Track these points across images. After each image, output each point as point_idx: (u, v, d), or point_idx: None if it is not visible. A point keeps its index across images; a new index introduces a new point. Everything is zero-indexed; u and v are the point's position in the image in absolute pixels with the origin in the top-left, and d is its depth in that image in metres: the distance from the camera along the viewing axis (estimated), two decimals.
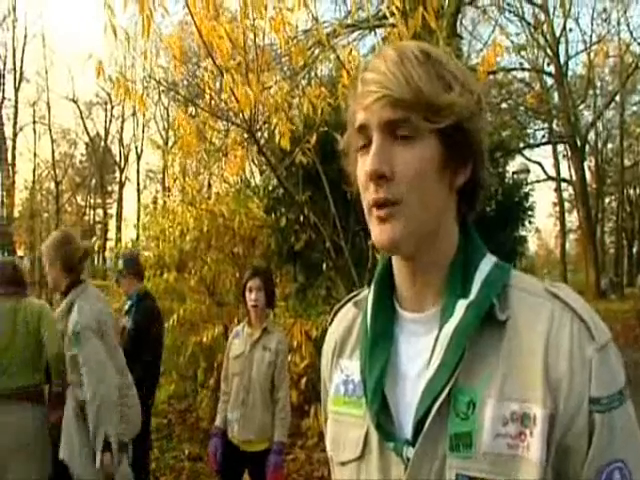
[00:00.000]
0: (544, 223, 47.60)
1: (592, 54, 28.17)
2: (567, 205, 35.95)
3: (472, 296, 0.81)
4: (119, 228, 35.42)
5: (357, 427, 0.88)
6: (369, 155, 0.81)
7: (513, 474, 0.74)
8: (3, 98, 31.85)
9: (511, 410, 0.76)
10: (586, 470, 0.74)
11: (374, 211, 0.81)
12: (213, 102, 4.81)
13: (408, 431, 0.81)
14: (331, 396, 0.96)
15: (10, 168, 31.69)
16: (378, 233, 0.81)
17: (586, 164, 30.54)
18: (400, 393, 0.84)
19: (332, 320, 1.05)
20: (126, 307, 4.43)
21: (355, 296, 1.03)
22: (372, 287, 0.93)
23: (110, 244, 32.83)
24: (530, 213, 10.69)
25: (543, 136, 27.77)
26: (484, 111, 0.86)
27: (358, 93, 0.83)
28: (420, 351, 0.84)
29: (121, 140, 37.65)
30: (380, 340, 0.87)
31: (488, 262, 0.85)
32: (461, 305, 0.80)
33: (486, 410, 0.76)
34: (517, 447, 0.75)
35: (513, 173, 13.83)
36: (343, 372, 0.95)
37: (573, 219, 37.49)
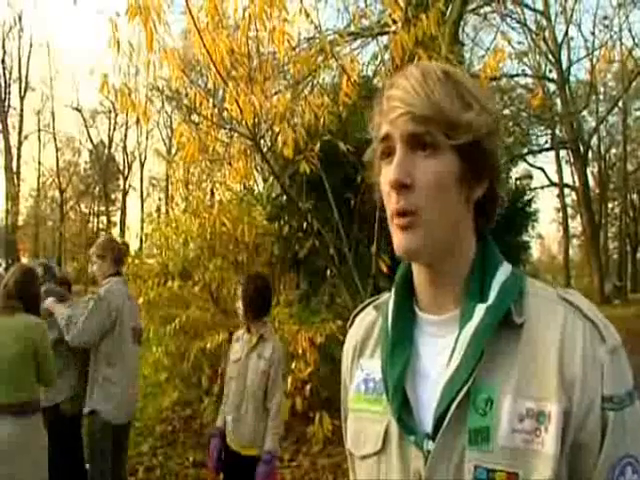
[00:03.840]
0: (547, 229, 47.45)
1: (594, 60, 28.23)
2: (570, 211, 35.88)
3: (490, 301, 0.86)
4: (123, 236, 35.47)
5: (377, 423, 0.93)
6: (392, 165, 0.86)
7: (528, 467, 0.79)
8: (9, 107, 32.05)
9: (527, 407, 0.80)
10: (600, 466, 0.79)
11: (395, 220, 0.86)
12: (216, 111, 4.84)
13: (428, 426, 0.86)
14: (351, 395, 1.01)
15: (15, 176, 31.82)
16: (398, 241, 0.87)
17: (589, 170, 30.53)
18: (420, 390, 0.89)
19: (352, 323, 1.10)
20: None
21: (374, 300, 1.08)
22: (393, 290, 0.98)
23: None
24: (533, 218, 10.71)
25: (546, 142, 27.75)
26: (500, 130, 0.92)
27: (384, 109, 0.89)
28: (440, 351, 0.89)
29: (125, 148, 37.80)
30: (400, 340, 0.92)
31: (505, 270, 0.90)
32: (480, 309, 0.85)
33: (503, 407, 0.81)
34: (532, 442, 0.79)
35: (516, 179, 13.88)
36: (364, 371, 0.99)
37: (576, 224, 37.43)
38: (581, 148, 26.91)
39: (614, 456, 0.79)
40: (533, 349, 0.83)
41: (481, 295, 0.87)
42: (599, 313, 0.85)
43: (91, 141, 37.42)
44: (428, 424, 0.86)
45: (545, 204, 45.54)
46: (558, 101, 26.98)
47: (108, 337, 3.63)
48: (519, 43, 24.72)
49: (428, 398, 0.87)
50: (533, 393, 0.81)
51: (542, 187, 28.40)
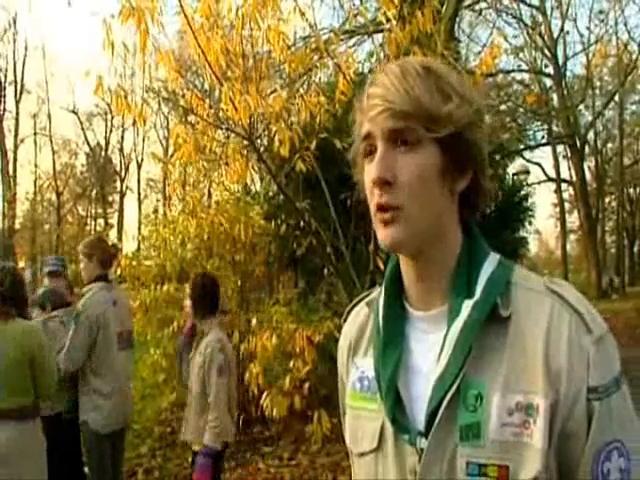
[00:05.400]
0: (545, 224, 47.57)
1: (590, 54, 28.24)
2: (567, 206, 35.92)
3: (477, 296, 0.86)
4: (120, 239, 35.45)
5: (373, 420, 0.94)
6: (374, 163, 0.86)
7: (518, 459, 0.79)
8: (4, 110, 31.97)
9: (516, 401, 0.81)
10: (586, 452, 0.80)
11: (378, 215, 0.87)
12: (212, 111, 4.83)
13: (420, 423, 0.86)
14: (348, 392, 1.02)
15: (11, 180, 31.74)
16: (383, 235, 0.87)
17: (586, 164, 30.58)
18: (412, 388, 0.89)
19: (345, 319, 1.10)
20: None
21: (367, 296, 1.08)
22: (382, 287, 0.98)
23: None
24: (530, 213, 10.72)
25: (543, 137, 27.77)
26: (483, 121, 0.92)
27: (364, 107, 0.90)
28: (430, 348, 0.89)
29: (121, 150, 37.70)
30: (392, 338, 0.92)
31: (492, 261, 0.90)
32: (466, 305, 0.85)
33: (493, 402, 0.82)
34: (522, 435, 0.80)
35: (513, 175, 13.87)
36: (358, 369, 1.00)
37: (574, 219, 37.47)
38: (578, 143, 26.96)
39: (600, 442, 0.79)
40: (522, 342, 0.83)
41: (468, 290, 0.87)
42: (587, 304, 0.85)
43: (88, 143, 37.34)
44: (421, 422, 0.86)
45: (542, 199, 45.80)
46: (554, 96, 27.02)
47: (90, 348, 3.62)
48: (514, 37, 24.78)
49: (421, 395, 0.87)
50: (521, 387, 0.81)
51: (539, 182, 28.47)
